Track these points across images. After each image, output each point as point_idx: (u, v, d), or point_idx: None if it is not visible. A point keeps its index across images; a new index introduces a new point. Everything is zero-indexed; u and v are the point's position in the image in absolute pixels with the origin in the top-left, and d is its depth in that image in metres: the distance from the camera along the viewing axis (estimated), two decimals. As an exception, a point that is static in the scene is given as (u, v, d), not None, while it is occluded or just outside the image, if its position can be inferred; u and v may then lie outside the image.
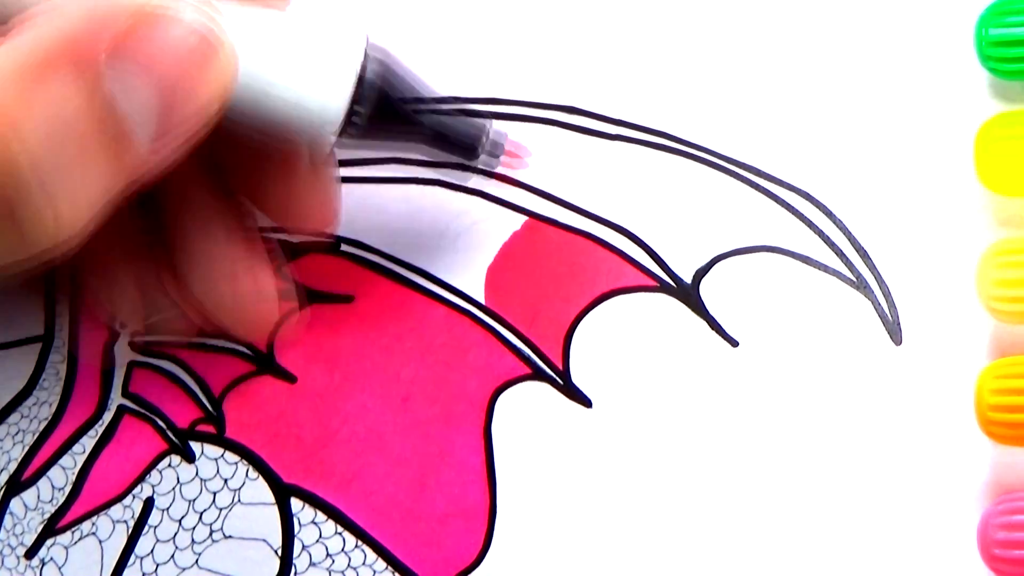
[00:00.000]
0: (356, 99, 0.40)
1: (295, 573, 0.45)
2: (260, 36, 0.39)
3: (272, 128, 0.40)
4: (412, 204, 0.46)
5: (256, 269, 0.44)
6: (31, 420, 0.47)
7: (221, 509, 0.45)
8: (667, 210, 0.45)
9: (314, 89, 0.39)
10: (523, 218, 0.46)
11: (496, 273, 0.46)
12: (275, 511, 0.45)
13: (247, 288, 0.44)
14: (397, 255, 0.46)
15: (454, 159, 0.43)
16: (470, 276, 0.45)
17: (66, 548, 0.46)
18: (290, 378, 0.46)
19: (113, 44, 0.36)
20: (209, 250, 0.43)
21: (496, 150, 0.44)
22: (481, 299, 0.45)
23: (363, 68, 0.40)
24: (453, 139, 0.42)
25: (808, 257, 0.44)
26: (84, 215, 0.37)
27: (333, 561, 0.45)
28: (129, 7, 0.37)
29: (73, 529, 0.46)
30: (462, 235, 0.46)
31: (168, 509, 0.46)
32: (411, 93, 0.41)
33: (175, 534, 0.46)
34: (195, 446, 0.46)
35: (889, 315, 0.44)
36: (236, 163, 0.43)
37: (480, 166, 0.44)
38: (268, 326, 0.45)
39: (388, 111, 0.41)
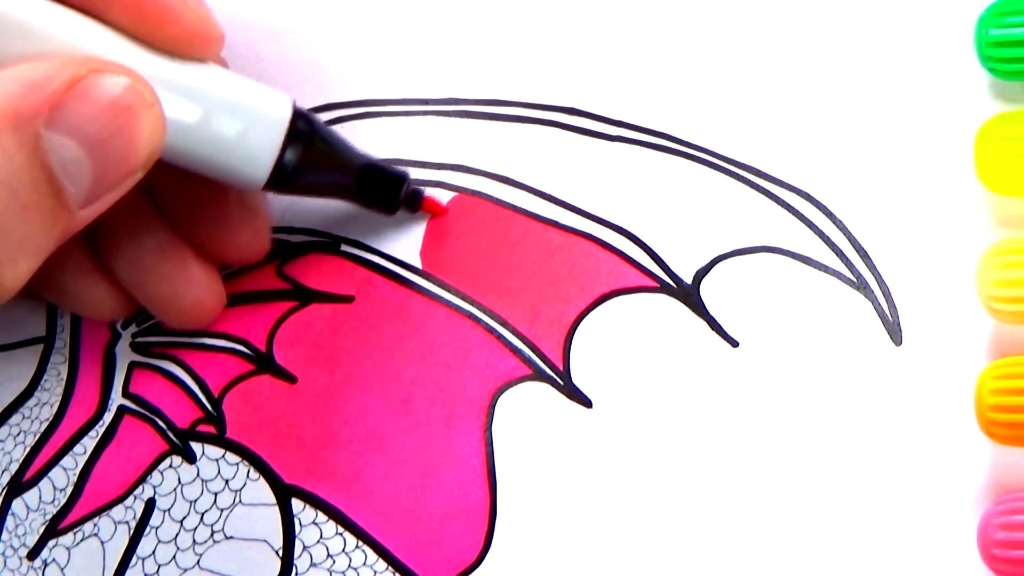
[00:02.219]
0: (282, 155, 0.42)
1: (296, 574, 0.45)
2: (193, 93, 0.41)
3: (206, 173, 0.42)
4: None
5: (184, 271, 0.45)
6: (32, 421, 0.47)
7: (222, 510, 0.45)
8: (667, 210, 0.45)
9: (245, 144, 0.42)
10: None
11: (430, 242, 0.46)
12: (276, 512, 0.45)
13: (176, 289, 0.45)
14: (397, 255, 0.46)
15: (373, 212, 0.45)
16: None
17: (68, 549, 0.46)
18: (290, 378, 0.46)
19: (50, 107, 0.38)
20: (139, 257, 0.45)
21: (414, 204, 0.45)
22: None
23: (291, 125, 0.42)
24: (374, 195, 0.45)
25: (808, 257, 0.44)
26: (23, 275, 0.39)
27: (334, 562, 0.45)
28: (64, 71, 0.38)
29: (75, 530, 0.46)
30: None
31: (169, 510, 0.46)
32: (335, 150, 0.44)
33: (176, 535, 0.46)
34: (196, 447, 0.46)
35: (889, 315, 0.44)
36: (168, 195, 0.45)
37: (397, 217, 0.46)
38: (199, 321, 0.46)
39: (312, 166, 0.43)
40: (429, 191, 0.46)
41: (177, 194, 0.45)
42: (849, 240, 0.44)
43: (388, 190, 0.45)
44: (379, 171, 0.45)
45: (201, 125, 0.42)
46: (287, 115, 0.42)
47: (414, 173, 0.46)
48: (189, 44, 0.42)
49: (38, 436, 0.47)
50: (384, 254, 0.46)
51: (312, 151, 0.43)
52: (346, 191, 0.45)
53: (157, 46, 0.41)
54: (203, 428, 0.46)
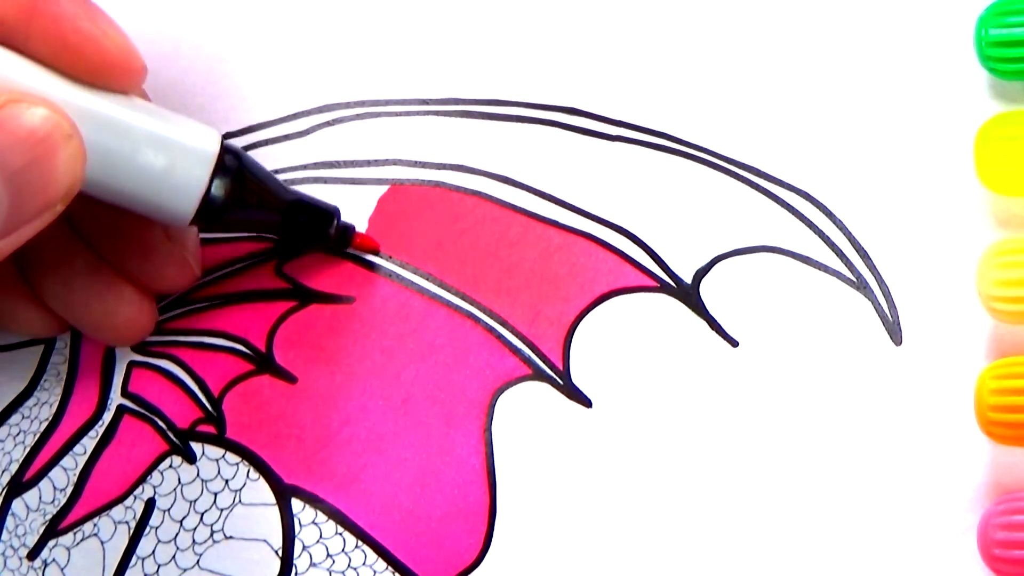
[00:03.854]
0: (208, 190, 0.42)
1: (296, 573, 0.45)
2: (115, 125, 0.41)
3: (131, 207, 0.42)
4: (414, 206, 0.46)
5: (114, 292, 0.45)
6: (32, 421, 0.47)
7: (222, 510, 0.45)
8: (667, 210, 0.45)
9: (171, 179, 0.41)
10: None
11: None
12: (276, 512, 0.45)
13: (107, 309, 0.44)
14: (397, 256, 0.46)
15: (305, 246, 0.46)
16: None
17: (68, 549, 0.46)
18: (290, 378, 0.46)
19: None
20: (68, 279, 0.44)
21: (344, 241, 0.45)
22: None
23: (219, 160, 0.42)
24: (304, 230, 0.44)
25: (808, 257, 0.44)
26: None
27: (334, 561, 0.45)
28: None
29: (75, 530, 0.46)
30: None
31: (169, 510, 0.46)
32: (264, 187, 0.43)
33: (176, 535, 0.46)
34: (196, 447, 0.46)
35: (889, 315, 0.44)
36: (93, 227, 0.44)
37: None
38: (132, 339, 0.46)
39: (240, 201, 0.43)
40: (360, 228, 0.46)
41: (102, 226, 0.44)
42: (849, 240, 0.44)
43: (318, 226, 0.45)
44: (308, 206, 0.44)
45: (125, 159, 0.41)
46: (214, 149, 0.42)
47: (414, 173, 0.46)
48: (110, 75, 0.41)
49: (38, 436, 0.47)
50: (385, 255, 0.46)
51: (240, 186, 0.42)
52: (275, 227, 0.44)
53: (78, 77, 0.41)
54: (203, 428, 0.46)
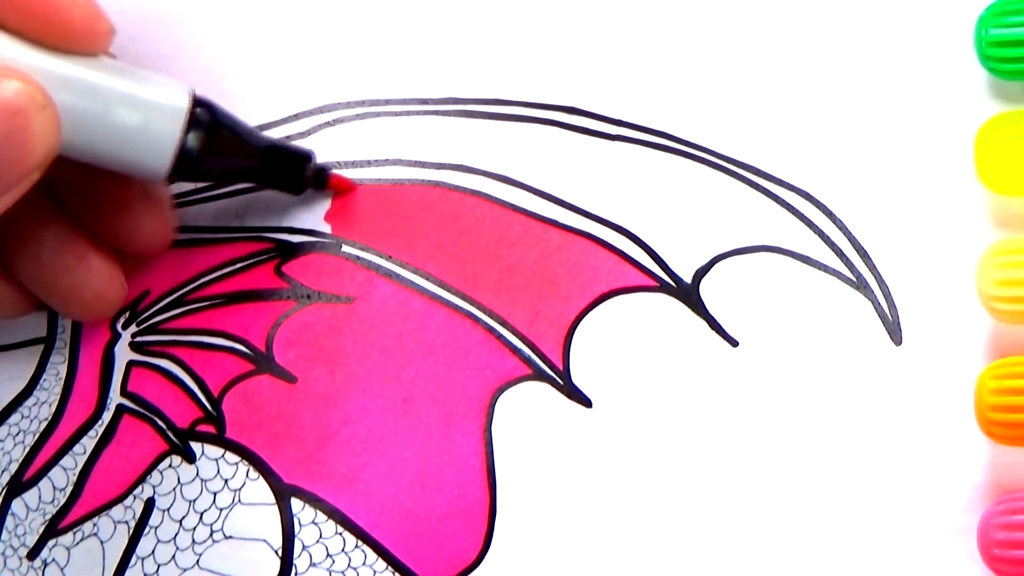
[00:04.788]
0: (185, 143, 0.43)
1: (295, 573, 0.45)
2: (87, 88, 0.42)
3: (107, 166, 0.43)
4: (412, 204, 0.46)
5: (83, 265, 0.45)
6: (31, 420, 0.47)
7: (222, 509, 0.45)
8: (667, 209, 0.45)
9: (145, 136, 0.42)
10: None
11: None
12: (275, 511, 0.45)
13: (76, 283, 0.45)
14: (397, 255, 0.46)
15: (282, 193, 0.46)
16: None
17: (68, 549, 0.46)
18: (290, 378, 0.46)
19: None
20: (37, 252, 0.44)
21: (320, 182, 0.46)
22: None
23: (191, 114, 0.43)
24: (279, 175, 0.45)
25: (808, 257, 0.44)
26: None
27: (333, 561, 0.45)
28: None
29: (75, 530, 0.46)
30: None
31: (169, 509, 0.46)
32: (238, 135, 0.44)
33: (176, 535, 0.46)
34: (195, 446, 0.46)
35: (889, 315, 0.44)
36: (67, 188, 0.45)
37: (306, 197, 0.47)
38: (102, 314, 0.46)
39: (215, 152, 0.44)
40: (336, 169, 0.46)
41: (77, 187, 0.45)
42: (849, 240, 0.44)
43: (293, 169, 0.45)
44: (282, 151, 0.45)
45: (98, 120, 0.42)
46: (185, 104, 0.43)
47: (414, 173, 0.46)
48: (79, 40, 0.42)
49: (37, 436, 0.47)
50: (385, 254, 0.46)
51: (213, 137, 0.43)
52: (251, 174, 0.45)
53: (47, 44, 0.41)
54: (203, 428, 0.46)
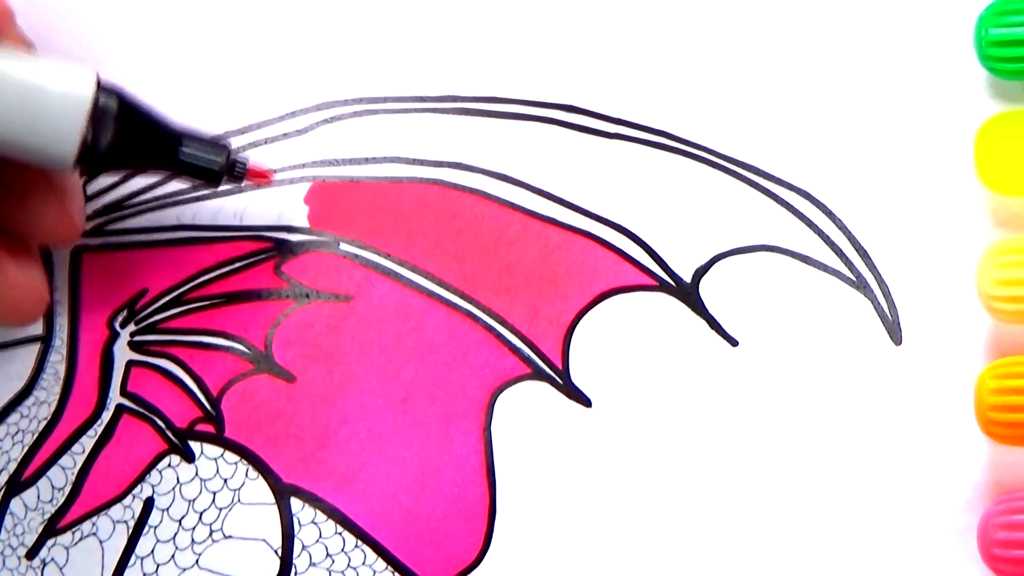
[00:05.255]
0: (91, 131, 0.42)
1: (295, 573, 0.45)
2: None
3: (10, 155, 0.42)
4: (411, 202, 0.46)
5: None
6: (30, 420, 0.47)
7: (221, 509, 0.45)
8: (666, 209, 0.45)
9: (47, 125, 0.41)
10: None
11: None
12: (275, 511, 0.45)
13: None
14: (396, 254, 0.46)
15: (200, 186, 0.45)
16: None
17: (67, 549, 0.46)
18: (289, 377, 0.46)
19: None
20: None
21: (238, 172, 0.44)
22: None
23: (96, 101, 0.42)
24: (195, 165, 0.44)
25: (808, 257, 0.44)
26: None
27: (333, 561, 0.45)
28: None
29: (74, 529, 0.46)
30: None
31: (168, 509, 0.46)
32: (149, 124, 0.43)
33: (175, 534, 0.46)
34: (194, 446, 0.46)
35: (889, 315, 0.44)
36: None
37: (226, 187, 0.46)
38: (22, 320, 0.45)
39: (124, 141, 0.42)
40: (253, 160, 0.45)
41: None
42: (849, 240, 0.44)
43: (207, 159, 0.44)
44: (195, 140, 0.44)
45: (3, 106, 0.41)
46: (89, 92, 0.42)
47: (412, 171, 0.46)
48: None
49: (36, 435, 0.47)
50: (385, 253, 0.46)
51: (122, 126, 0.42)
52: (166, 164, 0.44)
53: None
54: (202, 427, 0.46)
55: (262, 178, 0.45)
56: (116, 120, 0.42)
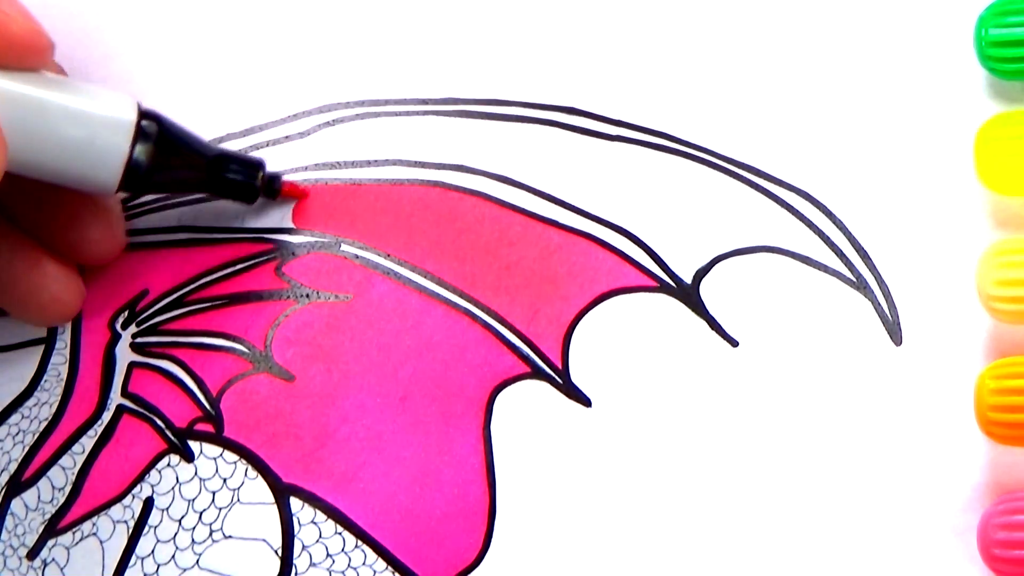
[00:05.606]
0: (131, 158, 0.43)
1: (295, 573, 0.45)
2: (31, 104, 0.42)
3: (56, 181, 0.43)
4: (412, 204, 0.46)
5: (38, 270, 0.45)
6: (31, 420, 0.47)
7: (220, 509, 0.45)
8: (667, 210, 0.45)
9: (92, 151, 0.42)
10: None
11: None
12: (275, 511, 0.45)
13: (31, 288, 0.45)
14: (396, 254, 0.46)
15: (234, 203, 0.46)
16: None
17: (67, 549, 0.46)
18: (288, 376, 0.46)
19: None
20: None
21: (272, 191, 0.46)
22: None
23: (138, 126, 0.43)
24: (232, 184, 0.45)
25: (808, 257, 0.44)
26: None
27: (333, 561, 0.45)
28: None
29: (74, 530, 0.46)
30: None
31: (168, 509, 0.46)
32: (187, 146, 0.44)
33: (175, 534, 0.46)
34: (194, 445, 0.46)
35: (889, 315, 0.44)
36: (15, 202, 0.45)
37: (259, 206, 0.47)
38: (59, 318, 0.46)
39: (164, 164, 0.44)
40: (287, 176, 0.46)
41: (25, 200, 0.45)
42: (849, 240, 0.44)
43: (244, 179, 0.45)
44: (233, 160, 0.45)
45: (44, 136, 0.42)
46: (132, 117, 0.43)
47: (414, 173, 0.46)
48: (19, 55, 0.42)
49: (37, 436, 0.47)
50: (384, 253, 0.46)
51: (162, 149, 0.43)
52: (203, 184, 0.45)
53: None
54: (201, 427, 0.46)
55: (298, 194, 0.46)
56: (156, 144, 0.43)
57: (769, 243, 0.45)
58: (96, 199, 0.45)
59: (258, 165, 0.46)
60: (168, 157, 0.44)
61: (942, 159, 0.44)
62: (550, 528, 0.44)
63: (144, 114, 0.43)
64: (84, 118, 0.42)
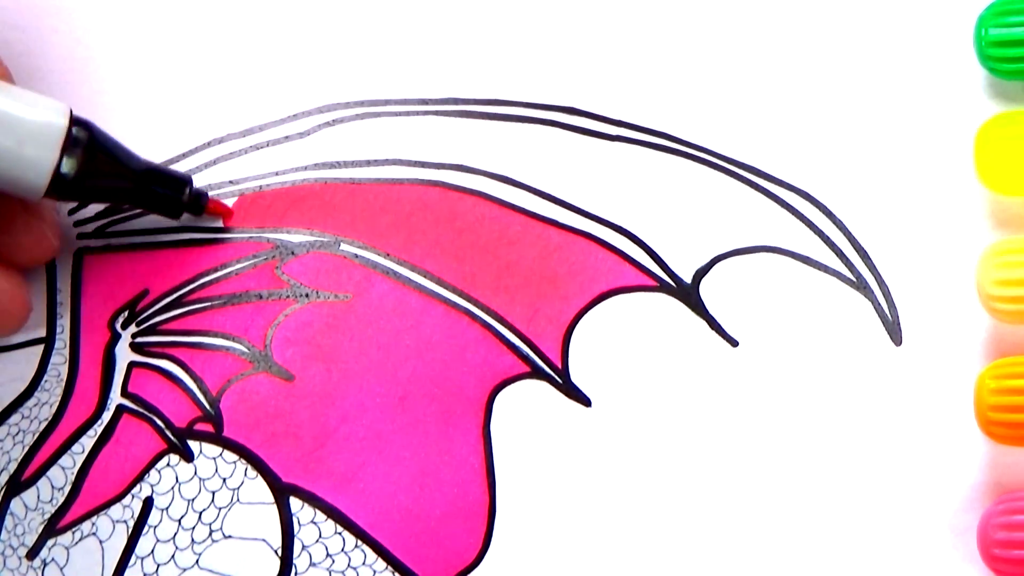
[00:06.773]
0: (60, 164, 0.43)
1: (295, 573, 0.45)
2: None
3: None
4: (412, 204, 0.46)
5: None
6: (31, 420, 0.47)
7: (220, 508, 0.45)
8: (667, 210, 0.45)
9: (21, 154, 0.42)
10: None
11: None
12: (274, 511, 0.45)
13: None
14: (396, 253, 0.46)
15: (160, 216, 0.46)
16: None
17: (67, 549, 0.46)
18: (287, 376, 0.46)
19: None
20: None
21: (197, 207, 0.46)
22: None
23: (68, 133, 0.43)
24: (158, 197, 0.45)
25: (808, 257, 0.44)
26: None
27: (333, 561, 0.45)
28: None
29: (73, 529, 0.46)
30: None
31: (167, 509, 0.46)
32: (116, 157, 0.44)
33: (175, 534, 0.46)
34: (193, 445, 0.46)
35: (889, 315, 0.44)
36: None
37: (184, 221, 0.47)
38: (4, 330, 0.46)
39: (93, 173, 0.44)
40: (213, 193, 0.46)
41: None
42: (849, 240, 0.44)
43: (171, 193, 0.45)
44: (161, 175, 0.45)
45: None
46: (63, 124, 0.43)
47: (414, 173, 0.46)
48: None
49: (37, 436, 0.47)
50: (384, 253, 0.46)
51: (91, 158, 0.43)
52: (130, 196, 0.45)
53: None
54: (201, 427, 0.46)
55: (222, 212, 0.47)
56: (85, 152, 0.43)
57: (769, 243, 0.45)
58: (27, 204, 0.45)
59: (185, 181, 0.46)
60: (97, 166, 0.44)
61: (942, 159, 0.44)
62: (550, 528, 0.44)
63: (76, 122, 0.43)
64: (14, 123, 0.42)
